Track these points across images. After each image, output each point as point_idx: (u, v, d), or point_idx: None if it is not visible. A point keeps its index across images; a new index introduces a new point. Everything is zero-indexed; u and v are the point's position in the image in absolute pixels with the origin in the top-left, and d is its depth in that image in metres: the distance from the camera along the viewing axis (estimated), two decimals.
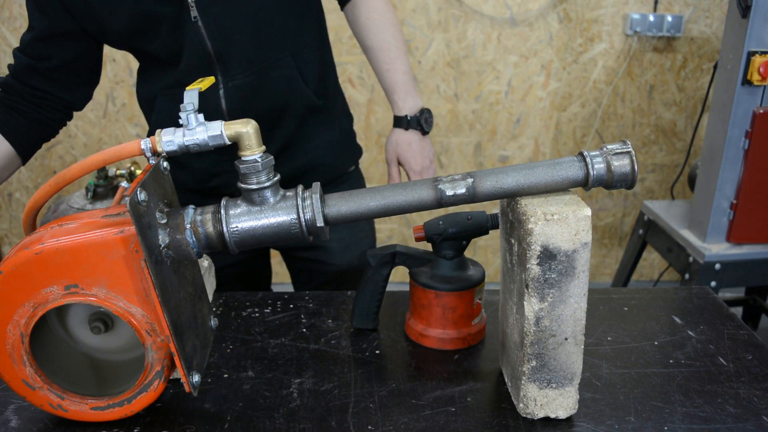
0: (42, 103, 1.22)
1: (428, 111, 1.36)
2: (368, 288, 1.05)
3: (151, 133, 1.20)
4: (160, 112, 1.27)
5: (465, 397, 0.89)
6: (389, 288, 1.11)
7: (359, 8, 1.33)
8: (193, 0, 1.14)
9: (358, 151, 1.47)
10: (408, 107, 1.34)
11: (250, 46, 1.20)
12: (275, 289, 1.49)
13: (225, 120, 1.16)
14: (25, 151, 1.20)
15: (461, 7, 2.66)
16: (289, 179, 1.26)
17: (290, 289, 1.53)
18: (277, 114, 1.27)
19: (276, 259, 1.85)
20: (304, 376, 0.94)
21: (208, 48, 1.17)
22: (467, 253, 3.00)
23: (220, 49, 1.18)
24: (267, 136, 1.19)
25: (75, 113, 1.37)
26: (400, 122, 1.34)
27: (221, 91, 1.22)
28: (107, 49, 1.30)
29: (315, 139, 1.34)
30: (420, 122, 1.34)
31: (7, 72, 1.22)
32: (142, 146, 0.78)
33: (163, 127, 1.07)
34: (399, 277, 2.23)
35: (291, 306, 1.14)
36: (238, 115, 1.23)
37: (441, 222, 1.00)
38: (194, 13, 1.14)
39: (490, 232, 1.02)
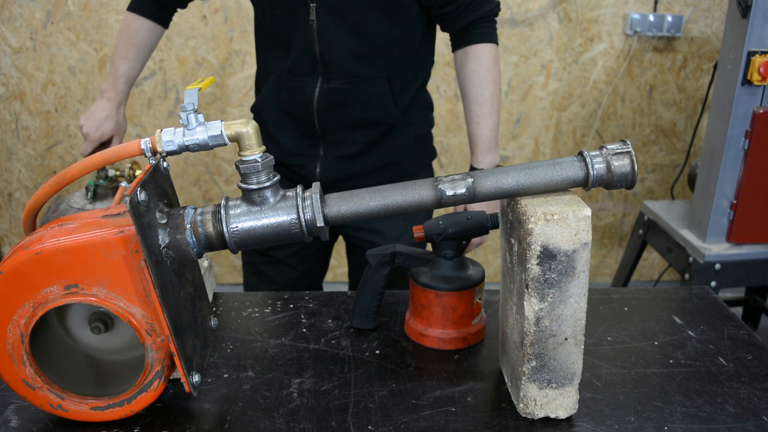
0: None
1: None
2: (368, 288, 1.05)
3: (257, 103, 1.47)
4: (270, 88, 1.44)
5: (465, 397, 0.89)
6: (389, 288, 1.11)
7: (468, 58, 1.40)
8: (314, 4, 1.29)
9: (432, 153, 1.57)
10: (486, 162, 1.42)
11: (350, 58, 1.34)
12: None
13: (314, 120, 1.41)
14: (167, 21, 1.52)
15: None
16: (365, 174, 1.46)
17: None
18: (361, 123, 1.41)
19: None
20: (304, 376, 0.94)
21: (316, 50, 1.33)
22: (468, 253, 2.99)
23: (325, 54, 1.34)
24: (349, 139, 1.44)
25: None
26: None
27: (317, 90, 1.37)
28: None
29: (390, 143, 1.46)
30: None
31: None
32: (142, 146, 0.78)
33: (268, 103, 1.44)
34: None
35: (291, 306, 1.14)
36: (326, 114, 1.39)
37: (441, 222, 1.00)
38: (312, 16, 1.30)
39: (490, 232, 1.02)
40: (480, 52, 1.39)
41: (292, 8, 1.32)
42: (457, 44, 1.43)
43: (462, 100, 1.45)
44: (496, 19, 1.42)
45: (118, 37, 1.51)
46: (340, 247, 2.19)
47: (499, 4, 1.41)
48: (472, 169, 1.42)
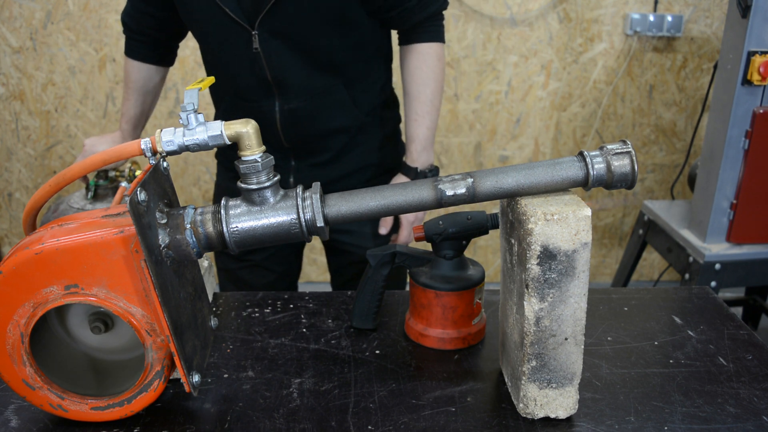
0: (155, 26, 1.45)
1: (437, 169, 1.45)
2: (368, 288, 1.05)
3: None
4: (225, 111, 1.42)
5: (465, 397, 0.89)
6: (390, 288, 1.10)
7: (412, 56, 1.39)
8: (255, 32, 1.25)
9: (402, 149, 1.53)
10: (421, 161, 1.41)
11: (303, 76, 1.31)
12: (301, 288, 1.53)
13: (281, 138, 1.38)
14: (165, 60, 1.52)
15: (461, 7, 2.66)
16: (340, 178, 1.44)
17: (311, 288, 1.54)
18: (330, 132, 1.40)
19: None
20: (304, 376, 0.94)
21: (267, 75, 1.30)
22: (467, 253, 2.98)
23: (278, 77, 1.31)
24: (319, 149, 1.42)
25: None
26: (408, 172, 1.42)
27: (277, 112, 1.35)
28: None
29: (362, 146, 1.45)
30: (427, 177, 1.36)
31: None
32: (142, 146, 0.78)
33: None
34: None
35: (291, 306, 1.14)
36: (292, 133, 1.38)
37: (441, 222, 1.00)
38: (255, 44, 1.27)
39: (490, 232, 1.02)
40: (424, 50, 1.38)
41: (232, 38, 1.28)
42: (402, 41, 1.41)
43: (404, 95, 1.43)
44: (443, 13, 1.40)
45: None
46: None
47: (446, 1, 1.39)
48: (405, 166, 1.41)
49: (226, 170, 1.55)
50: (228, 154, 1.52)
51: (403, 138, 1.52)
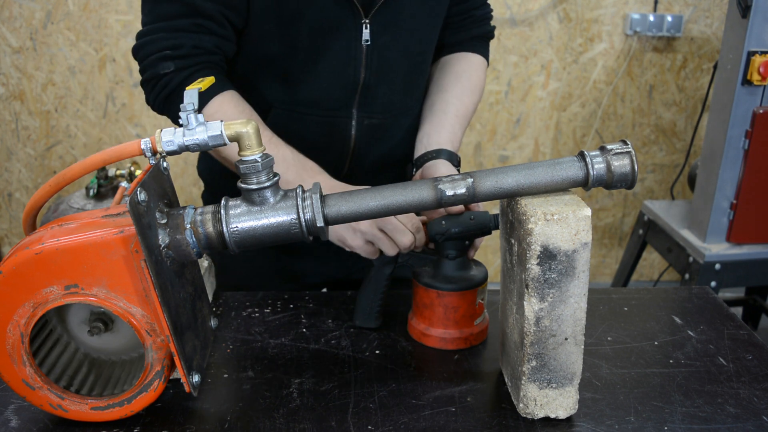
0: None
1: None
2: (370, 287, 1.05)
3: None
4: (276, 120, 1.12)
5: (465, 397, 0.89)
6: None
7: (461, 61, 1.24)
8: (368, 20, 1.05)
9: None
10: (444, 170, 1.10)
11: (398, 87, 1.14)
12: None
13: (348, 159, 1.15)
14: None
15: None
16: None
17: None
18: (391, 162, 1.21)
19: None
20: (304, 376, 0.94)
21: (360, 77, 1.09)
22: None
23: (371, 81, 1.10)
24: (369, 182, 1.02)
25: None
26: (440, 155, 1.12)
27: (353, 127, 1.13)
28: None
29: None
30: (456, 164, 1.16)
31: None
32: (142, 146, 0.78)
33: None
34: None
35: (291, 306, 1.14)
36: (361, 154, 1.16)
37: (444, 221, 1.00)
38: (366, 36, 1.06)
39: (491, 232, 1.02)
40: (475, 60, 1.26)
41: (331, 25, 1.04)
42: (448, 51, 1.26)
43: (436, 95, 1.20)
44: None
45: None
46: None
47: (495, 27, 1.32)
48: (435, 154, 1.11)
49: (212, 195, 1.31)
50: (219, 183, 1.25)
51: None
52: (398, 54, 1.12)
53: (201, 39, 0.99)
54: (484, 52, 1.30)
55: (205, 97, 1.00)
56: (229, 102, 1.02)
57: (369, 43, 1.06)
